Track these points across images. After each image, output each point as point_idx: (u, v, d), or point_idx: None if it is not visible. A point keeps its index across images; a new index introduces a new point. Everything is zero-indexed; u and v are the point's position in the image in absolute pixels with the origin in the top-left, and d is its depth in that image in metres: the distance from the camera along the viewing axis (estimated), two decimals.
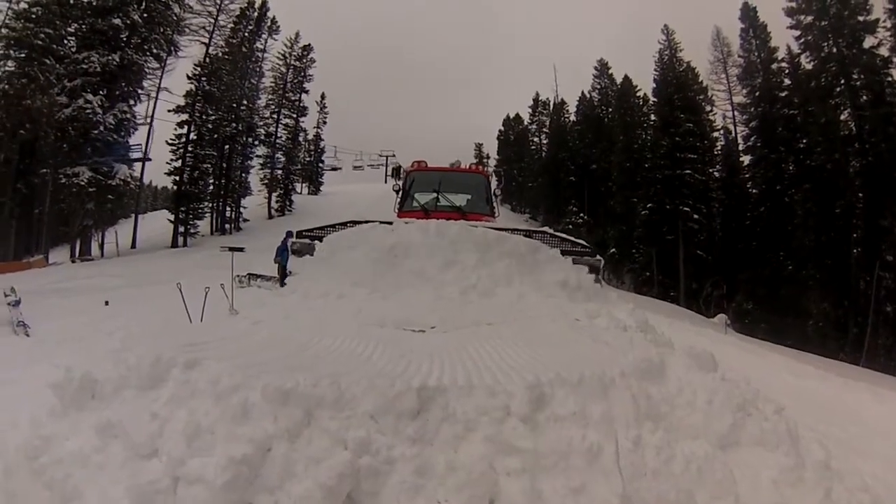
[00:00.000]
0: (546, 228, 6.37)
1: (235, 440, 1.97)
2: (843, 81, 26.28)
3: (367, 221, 6.19)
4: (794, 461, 2.28)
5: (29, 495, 2.21)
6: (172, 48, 30.10)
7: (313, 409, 2.10)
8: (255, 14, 36.41)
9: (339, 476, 1.87)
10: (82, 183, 24.28)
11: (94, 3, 25.98)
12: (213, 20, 32.74)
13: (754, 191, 31.49)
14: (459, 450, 2.08)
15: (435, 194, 8.13)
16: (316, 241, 6.21)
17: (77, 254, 25.55)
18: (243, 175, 37.36)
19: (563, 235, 6.28)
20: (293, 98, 39.93)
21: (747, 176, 32.42)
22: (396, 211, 8.46)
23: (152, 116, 28.69)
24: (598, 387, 2.38)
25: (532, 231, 6.24)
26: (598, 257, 6.18)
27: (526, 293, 5.22)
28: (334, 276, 5.47)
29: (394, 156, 11.76)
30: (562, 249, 6.07)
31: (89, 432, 2.35)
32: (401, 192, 8.71)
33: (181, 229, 31.62)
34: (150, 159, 28.21)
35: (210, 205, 34.75)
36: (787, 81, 30.38)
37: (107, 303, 9.74)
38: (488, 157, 52.97)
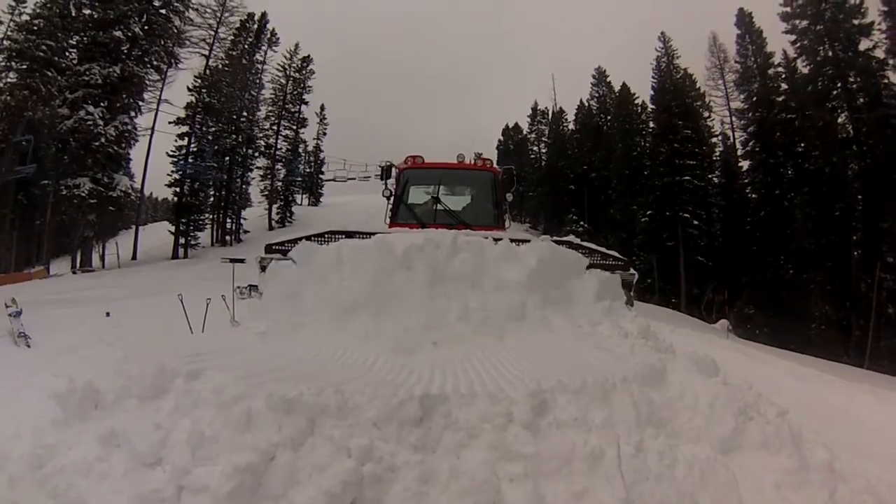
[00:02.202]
0: (571, 238, 5.18)
1: (239, 449, 1.98)
2: (839, 85, 26.40)
3: (346, 233, 4.99)
4: (797, 464, 2.28)
5: None
6: (173, 60, 30.35)
7: (317, 417, 2.10)
8: (255, 26, 36.72)
9: (343, 484, 1.87)
10: (83, 194, 24.35)
11: (96, 16, 26.20)
12: (213, 32, 33.04)
13: (753, 195, 31.54)
14: (462, 456, 2.08)
15: (433, 198, 6.76)
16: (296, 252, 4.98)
17: (78, 265, 25.58)
18: (244, 186, 37.50)
19: (592, 246, 5.17)
20: (293, 109, 40.14)
21: (746, 181, 32.50)
22: (387, 221, 7.10)
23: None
24: (600, 392, 2.39)
25: (557, 241, 5.08)
26: (633, 271, 5.17)
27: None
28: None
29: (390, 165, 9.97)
30: (591, 262, 5.01)
31: (92, 442, 2.36)
32: (392, 198, 7.28)
33: (182, 241, 31.69)
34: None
35: (210, 216, 34.86)
36: (784, 86, 30.53)
37: (108, 314, 9.73)
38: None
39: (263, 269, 5.03)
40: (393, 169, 7.70)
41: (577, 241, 5.12)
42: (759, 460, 2.28)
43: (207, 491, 1.88)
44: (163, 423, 2.25)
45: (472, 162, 7.57)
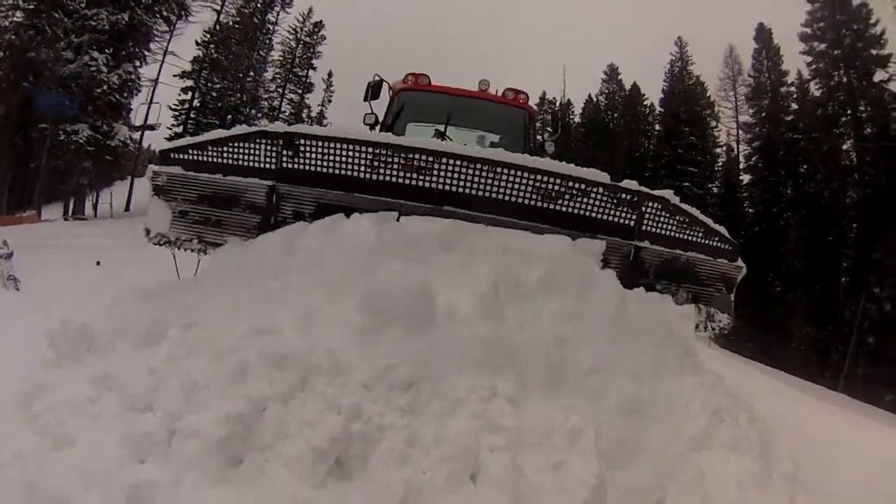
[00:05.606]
0: (667, 193, 3.19)
1: (232, 398, 2.04)
2: (849, 112, 26.48)
3: (284, 137, 3.01)
4: (761, 468, 2.37)
5: (21, 441, 2.23)
6: (183, 12, 29.78)
7: (308, 374, 2.16)
8: None
9: (331, 440, 1.94)
10: (81, 141, 24.04)
11: None
12: None
13: (750, 210, 31.74)
14: (446, 424, 2.15)
15: (438, 134, 4.85)
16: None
17: (70, 212, 25.35)
18: None
19: (694, 212, 3.24)
20: (300, 74, 39.65)
21: (745, 195, 32.67)
22: None
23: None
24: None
25: (646, 194, 3.10)
26: (740, 262, 3.38)
27: None
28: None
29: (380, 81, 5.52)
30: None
31: (84, 383, 2.39)
32: (380, 128, 5.37)
33: None
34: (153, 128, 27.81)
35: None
36: (794, 106, 30.58)
37: (98, 262, 9.68)
38: None
39: (157, 190, 3.28)
40: (385, 88, 5.60)
41: (676, 200, 3.23)
42: (726, 460, 2.37)
43: (198, 436, 1.94)
44: (156, 368, 2.30)
45: (503, 93, 5.67)
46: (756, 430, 2.59)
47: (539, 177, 2.90)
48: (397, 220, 2.93)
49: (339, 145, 2.93)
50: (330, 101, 44.33)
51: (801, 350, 25.16)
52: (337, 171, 2.99)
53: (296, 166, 3.04)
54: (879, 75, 25.80)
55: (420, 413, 2.16)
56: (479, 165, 2.86)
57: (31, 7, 24.02)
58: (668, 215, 3.19)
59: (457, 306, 2.50)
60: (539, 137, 5.79)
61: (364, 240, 2.74)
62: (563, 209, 2.99)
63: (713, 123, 34.66)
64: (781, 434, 3.72)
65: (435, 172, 2.91)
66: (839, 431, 6.21)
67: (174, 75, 30.73)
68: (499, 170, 2.87)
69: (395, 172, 2.95)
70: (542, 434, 2.14)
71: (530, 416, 2.20)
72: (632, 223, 3.12)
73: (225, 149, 3.14)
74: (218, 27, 32.29)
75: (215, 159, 3.17)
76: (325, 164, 2.99)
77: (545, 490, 1.98)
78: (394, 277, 2.54)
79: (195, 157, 3.23)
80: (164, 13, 28.57)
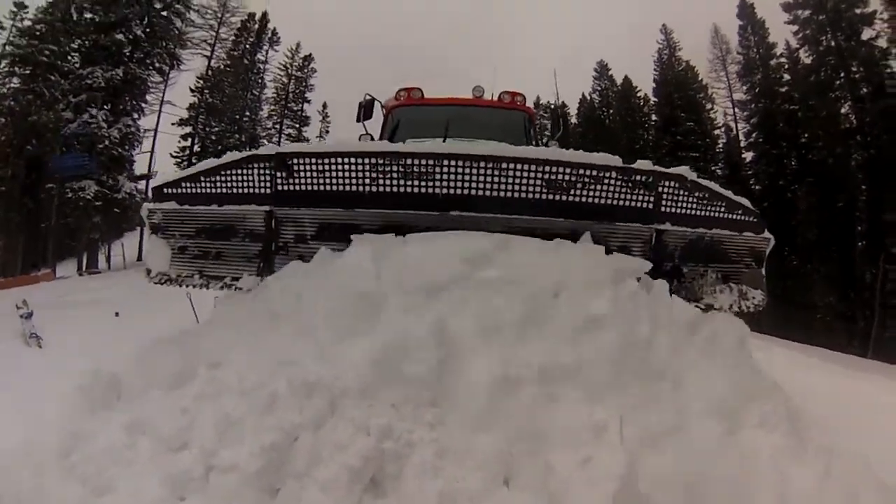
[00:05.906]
0: (684, 170, 3.13)
1: (265, 430, 2.08)
2: (842, 74, 26.31)
3: (278, 158, 2.88)
4: (793, 442, 2.37)
5: (63, 490, 2.28)
6: (175, 62, 30.43)
7: (337, 399, 2.20)
8: (256, 26, 36.83)
9: (364, 459, 1.98)
10: (88, 197, 24.52)
11: (98, 20, 26.33)
12: (214, 33, 33.12)
13: (757, 187, 31.44)
14: (475, 433, 2.18)
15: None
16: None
17: (84, 267, 25.74)
18: None
19: (713, 186, 3.17)
20: (295, 108, 40.26)
21: (750, 172, 32.40)
22: None
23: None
24: (609, 368, 2.44)
25: (661, 173, 3.03)
26: (767, 234, 3.32)
27: None
28: None
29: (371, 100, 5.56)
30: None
31: (118, 430, 2.44)
32: None
33: None
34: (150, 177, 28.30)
35: None
36: (786, 77, 30.41)
37: (117, 314, 9.83)
38: None
39: (154, 228, 3.21)
40: (377, 107, 5.55)
41: (693, 176, 3.12)
42: (758, 437, 2.36)
43: (236, 469, 1.99)
44: (188, 408, 2.35)
45: (500, 97, 5.60)
46: (785, 405, 2.58)
47: (547, 168, 2.71)
48: (404, 235, 2.77)
49: (332, 160, 2.75)
50: (327, 131, 44.96)
51: (825, 321, 24.75)
52: (334, 188, 2.82)
53: (291, 187, 2.88)
54: (867, 34, 25.66)
55: (448, 425, 2.20)
56: (483, 164, 2.67)
57: (28, 72, 24.71)
58: (686, 193, 3.03)
59: (475, 376, 2.32)
60: (541, 142, 5.74)
61: (364, 277, 2.60)
62: (577, 199, 2.81)
63: (709, 106, 34.53)
64: (814, 407, 3.69)
65: (437, 177, 2.72)
66: (875, 400, 6.12)
67: (172, 123, 31.35)
68: (504, 165, 2.68)
69: (394, 182, 2.75)
70: (570, 431, 2.16)
71: (558, 416, 2.22)
72: (650, 206, 2.95)
73: (218, 178, 3.04)
74: (210, 72, 32.95)
75: (209, 190, 3.08)
76: (320, 181, 2.82)
77: (576, 486, 1.99)
78: (403, 330, 2.41)
79: (189, 191, 3.14)
80: (157, 64, 29.22)
